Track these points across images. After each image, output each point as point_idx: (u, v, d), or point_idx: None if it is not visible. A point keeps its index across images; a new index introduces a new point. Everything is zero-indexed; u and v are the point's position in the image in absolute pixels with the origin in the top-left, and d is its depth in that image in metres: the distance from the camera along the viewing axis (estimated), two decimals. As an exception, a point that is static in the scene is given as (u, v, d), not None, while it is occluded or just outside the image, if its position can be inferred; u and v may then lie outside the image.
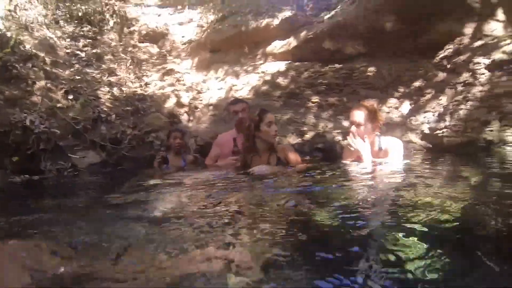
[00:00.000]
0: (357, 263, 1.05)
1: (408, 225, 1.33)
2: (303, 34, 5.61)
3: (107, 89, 5.15)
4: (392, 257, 1.08)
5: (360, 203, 1.77)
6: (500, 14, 4.25)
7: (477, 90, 3.88)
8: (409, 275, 0.98)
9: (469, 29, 4.41)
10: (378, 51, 5.11)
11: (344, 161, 3.23)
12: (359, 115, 3.02)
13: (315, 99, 5.01)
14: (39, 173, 3.69)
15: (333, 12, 5.78)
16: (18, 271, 1.03)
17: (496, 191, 1.97)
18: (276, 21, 5.91)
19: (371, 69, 5.02)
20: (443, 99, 4.19)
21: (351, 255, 1.13)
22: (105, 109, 4.78)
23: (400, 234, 1.24)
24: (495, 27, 4.26)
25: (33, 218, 1.78)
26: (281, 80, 5.49)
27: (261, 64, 6.07)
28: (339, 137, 4.37)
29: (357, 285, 0.93)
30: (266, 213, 1.68)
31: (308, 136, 4.56)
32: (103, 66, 5.65)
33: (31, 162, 3.76)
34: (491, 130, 3.51)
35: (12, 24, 5.03)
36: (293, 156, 3.21)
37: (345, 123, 4.44)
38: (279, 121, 4.57)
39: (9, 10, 5.19)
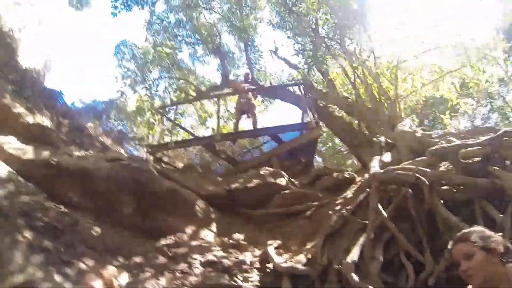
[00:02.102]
0: None
1: None
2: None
3: None
4: None
5: None
6: (214, 226, 5.61)
7: (192, 279, 4.51)
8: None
9: (189, 230, 5.47)
10: (105, 215, 4.98)
11: None
12: None
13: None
14: None
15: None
16: None
17: None
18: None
19: (97, 229, 4.65)
20: (163, 281, 4.40)
21: None
22: None
23: None
24: (207, 234, 5.52)
25: None
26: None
27: None
28: None
29: None
30: None
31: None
32: None
33: None
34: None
35: None
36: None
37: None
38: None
39: None
